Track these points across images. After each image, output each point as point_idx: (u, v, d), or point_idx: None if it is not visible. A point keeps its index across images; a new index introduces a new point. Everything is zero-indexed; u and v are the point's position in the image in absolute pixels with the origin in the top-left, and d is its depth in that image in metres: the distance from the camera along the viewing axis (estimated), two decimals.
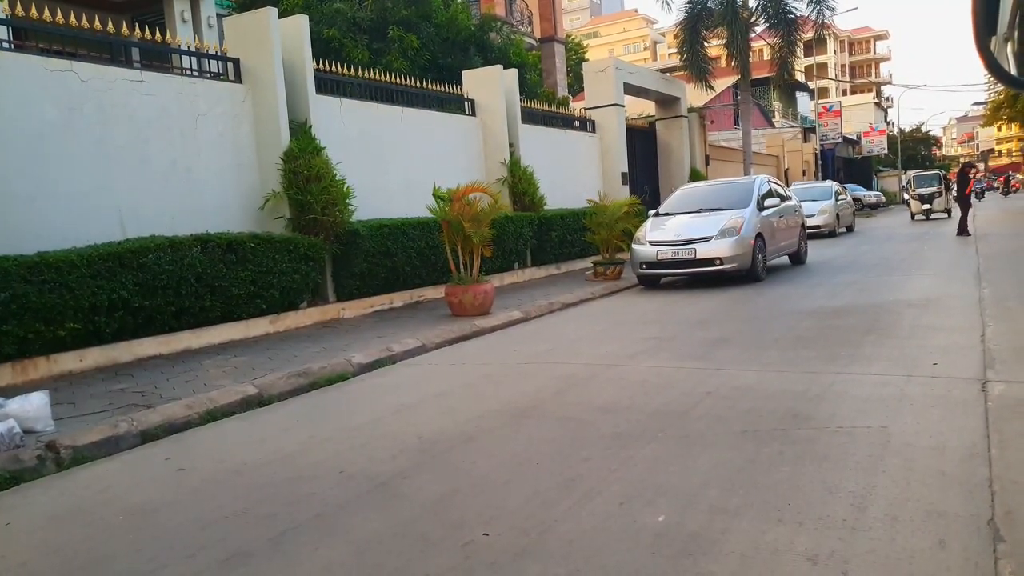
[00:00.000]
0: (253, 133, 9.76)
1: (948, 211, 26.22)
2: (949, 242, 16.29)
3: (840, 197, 23.52)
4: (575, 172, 17.06)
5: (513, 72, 14.97)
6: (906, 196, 27.93)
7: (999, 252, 13.87)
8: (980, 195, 44.35)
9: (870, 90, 74.61)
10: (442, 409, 5.57)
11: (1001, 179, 63.03)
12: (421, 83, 13.05)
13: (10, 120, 7.34)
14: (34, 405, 5.11)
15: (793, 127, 44.19)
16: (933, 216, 26.59)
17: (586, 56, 43.62)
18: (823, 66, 65.48)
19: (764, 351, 6.66)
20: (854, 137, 51.55)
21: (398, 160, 11.94)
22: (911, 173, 29.96)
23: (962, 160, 41.02)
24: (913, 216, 27.21)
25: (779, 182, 15.15)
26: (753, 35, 26.01)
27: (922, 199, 26.49)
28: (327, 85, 10.88)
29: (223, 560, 3.24)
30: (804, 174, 39.12)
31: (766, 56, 30.93)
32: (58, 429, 5.12)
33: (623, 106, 19.06)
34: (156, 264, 7.52)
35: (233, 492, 4.09)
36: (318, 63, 10.71)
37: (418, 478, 4.09)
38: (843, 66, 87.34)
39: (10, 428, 4.75)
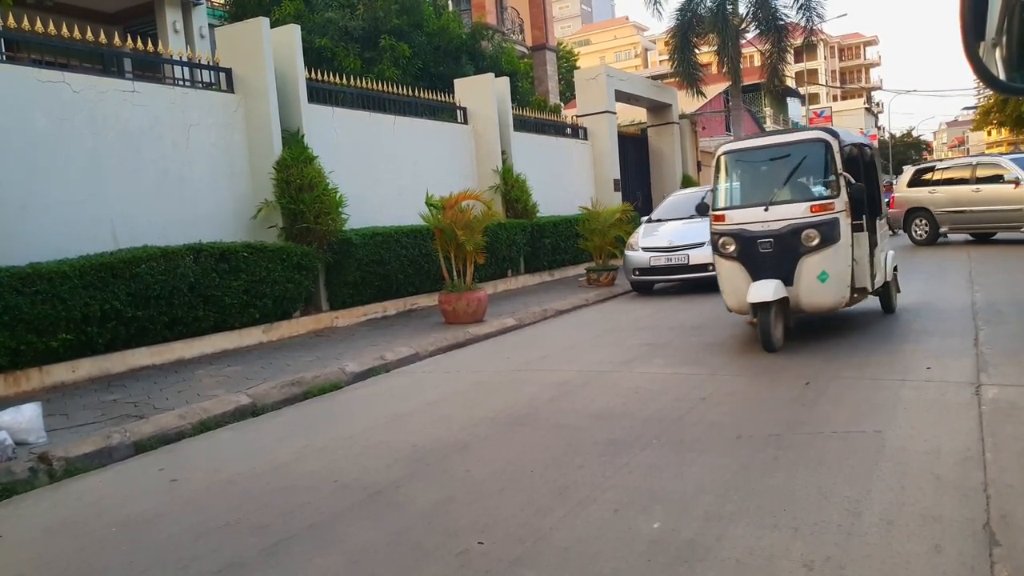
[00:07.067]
0: (245, 142, 9.75)
1: (883, 291, 7.94)
2: (941, 246, 16.35)
3: None
4: (567, 179, 17.09)
5: (505, 80, 15.01)
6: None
7: (990, 256, 13.92)
8: None
9: (860, 95, 75.04)
10: (436, 417, 5.56)
11: None
12: (413, 91, 13.05)
13: (2, 131, 7.31)
14: (26, 417, 5.08)
15: None
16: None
17: (577, 64, 43.73)
18: (813, 72, 65.81)
19: (757, 356, 6.66)
20: None
21: (391, 168, 11.94)
22: (723, 147, 7.59)
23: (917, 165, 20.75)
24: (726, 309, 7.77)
25: None
26: (744, 41, 26.15)
27: (753, 260, 6.85)
28: (319, 94, 10.88)
29: (216, 571, 3.22)
30: None
31: (757, 62, 31.07)
32: (50, 441, 5.09)
33: (615, 113, 19.11)
34: (149, 274, 7.50)
35: (227, 502, 4.07)
36: (310, 72, 10.71)
37: (412, 487, 4.08)
38: (833, 72, 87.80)
39: (2, 440, 4.73)
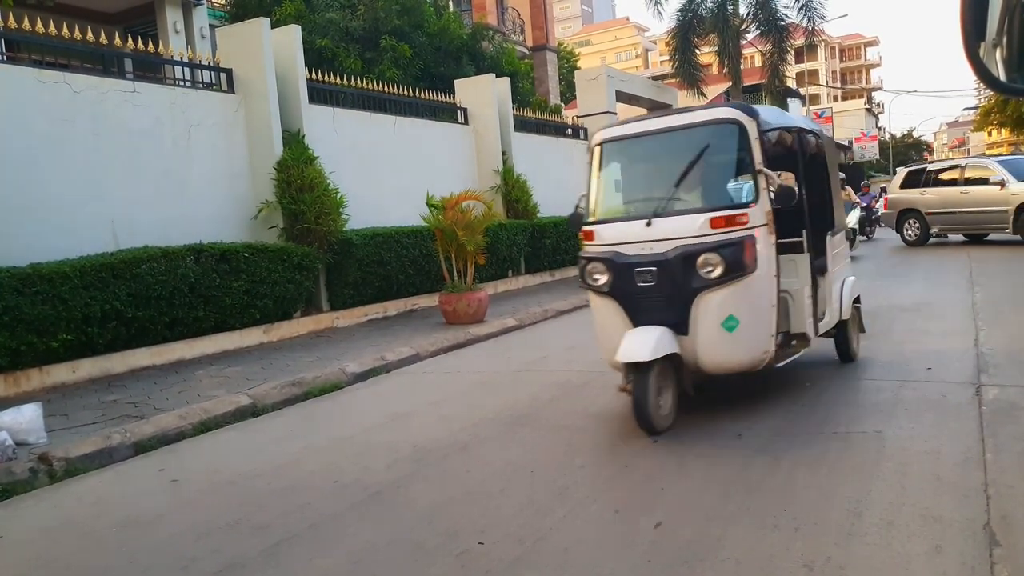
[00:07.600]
0: (246, 143, 9.75)
1: (837, 333, 5.88)
2: (941, 246, 16.34)
3: None
4: (568, 179, 17.05)
5: (505, 80, 15.02)
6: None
7: (990, 256, 13.91)
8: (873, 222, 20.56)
9: (861, 96, 74.97)
10: (436, 418, 5.56)
11: None
12: (414, 92, 13.06)
13: (2, 131, 7.31)
14: (27, 417, 5.08)
15: None
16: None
17: (578, 64, 43.77)
18: (814, 72, 65.74)
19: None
20: (846, 143, 51.80)
21: (391, 169, 11.94)
22: (598, 134, 5.52)
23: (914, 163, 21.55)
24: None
25: None
26: (744, 42, 26.16)
27: (631, 298, 4.78)
28: (320, 95, 10.89)
29: (217, 572, 3.22)
30: None
31: (757, 63, 31.08)
32: (51, 441, 5.09)
33: (615, 114, 19.08)
34: (149, 274, 7.50)
35: (227, 503, 4.07)
36: (311, 73, 10.71)
37: (413, 487, 4.08)
38: (834, 72, 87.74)
39: (2, 441, 4.73)
